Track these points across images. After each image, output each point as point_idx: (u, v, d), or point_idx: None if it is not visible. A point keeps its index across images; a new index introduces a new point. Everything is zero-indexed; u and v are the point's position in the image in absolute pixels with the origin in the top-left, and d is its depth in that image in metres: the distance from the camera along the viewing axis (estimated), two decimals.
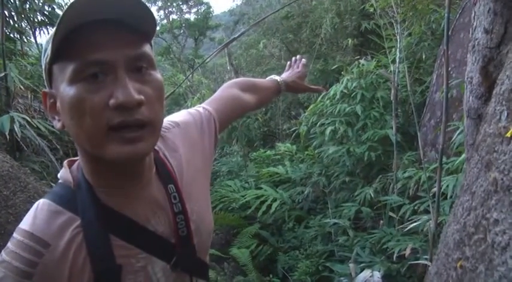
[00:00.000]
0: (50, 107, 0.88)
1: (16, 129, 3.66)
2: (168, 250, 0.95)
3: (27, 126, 3.99)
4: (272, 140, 9.52)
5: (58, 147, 4.64)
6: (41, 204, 0.89)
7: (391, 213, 4.45)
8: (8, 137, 3.73)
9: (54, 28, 0.77)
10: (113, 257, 0.87)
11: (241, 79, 1.49)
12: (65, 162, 0.97)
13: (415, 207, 3.92)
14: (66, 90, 0.79)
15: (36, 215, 0.86)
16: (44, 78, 0.87)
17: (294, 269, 4.89)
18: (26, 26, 6.98)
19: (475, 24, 1.45)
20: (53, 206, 0.88)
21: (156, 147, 0.99)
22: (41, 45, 7.74)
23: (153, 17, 0.82)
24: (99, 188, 0.89)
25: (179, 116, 1.18)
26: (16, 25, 6.43)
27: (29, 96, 4.75)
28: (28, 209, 0.89)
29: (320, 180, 5.66)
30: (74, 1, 0.73)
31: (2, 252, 0.83)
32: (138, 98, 0.78)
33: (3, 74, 3.97)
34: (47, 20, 7.10)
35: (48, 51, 0.81)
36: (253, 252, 5.44)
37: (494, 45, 1.34)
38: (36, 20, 7.01)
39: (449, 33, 2.65)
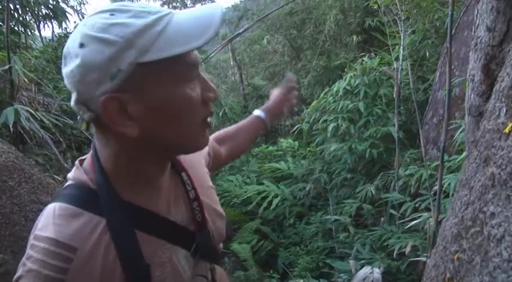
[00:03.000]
0: (119, 113, 0.79)
1: (23, 121, 3.68)
2: (189, 238, 0.97)
3: (31, 119, 4.00)
4: (274, 136, 9.52)
5: (61, 140, 4.67)
6: (57, 208, 0.85)
7: (392, 211, 4.46)
8: (11, 129, 3.76)
9: (144, 27, 0.76)
10: (142, 255, 0.87)
11: (217, 133, 1.49)
12: (77, 162, 0.95)
13: (416, 205, 3.93)
14: (176, 90, 0.81)
15: (55, 220, 0.83)
16: (114, 78, 0.76)
17: (295, 264, 4.90)
18: (31, 19, 7.00)
19: (477, 22, 1.46)
20: (72, 208, 0.85)
21: None
22: (45, 38, 7.77)
23: None
24: (121, 186, 0.88)
25: None
26: (21, 18, 6.45)
27: (33, 89, 4.78)
28: (33, 200, 0.88)
29: (321, 177, 5.67)
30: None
31: (25, 261, 0.81)
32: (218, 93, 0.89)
33: (7, 67, 3.99)
34: (51, 14, 7.12)
35: (145, 47, 0.76)
36: (254, 247, 5.45)
37: (497, 43, 1.35)
38: (40, 14, 7.04)
39: (453, 31, 2.65)
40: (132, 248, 0.86)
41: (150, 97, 0.79)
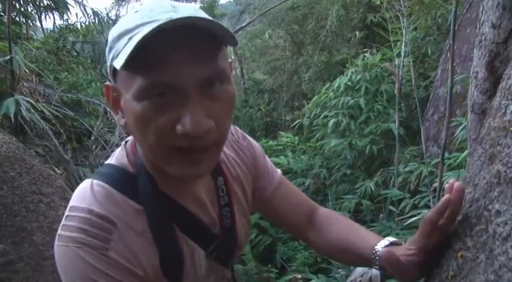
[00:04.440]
0: (114, 101, 0.83)
1: (23, 112, 3.68)
2: (209, 239, 0.96)
3: (32, 110, 4.00)
4: (274, 131, 9.51)
5: (61, 131, 4.66)
6: (96, 184, 0.86)
7: (391, 207, 4.47)
8: (12, 119, 3.75)
9: (125, 25, 0.75)
10: (179, 246, 0.89)
11: (338, 217, 1.19)
12: (123, 143, 0.95)
13: (416, 202, 3.93)
14: (131, 103, 0.75)
15: (93, 194, 0.83)
16: (108, 72, 0.82)
17: (293, 259, 4.91)
18: (32, 10, 6.98)
19: (482, 19, 1.45)
20: (110, 189, 0.85)
21: None
22: (47, 29, 7.74)
23: (229, 31, 0.74)
24: (157, 176, 0.88)
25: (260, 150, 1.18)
26: (22, 9, 6.44)
27: (34, 79, 4.77)
28: (34, 191, 0.89)
29: (321, 172, 5.66)
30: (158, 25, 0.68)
31: (63, 232, 0.81)
32: (207, 128, 0.74)
33: (8, 57, 3.99)
34: (52, 5, 7.10)
35: (115, 51, 0.76)
36: (252, 241, 5.45)
37: (502, 40, 1.34)
38: (42, 5, 7.02)
39: (456, 28, 2.64)
40: (170, 239, 0.88)
41: (124, 97, 0.79)
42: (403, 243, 0.94)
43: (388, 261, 0.88)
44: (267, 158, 1.18)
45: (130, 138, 0.94)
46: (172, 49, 0.71)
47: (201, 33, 0.72)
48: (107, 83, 0.82)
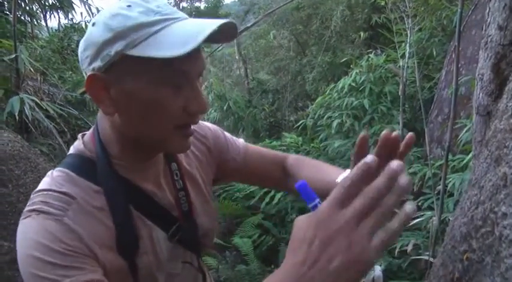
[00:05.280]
0: (99, 91, 0.87)
1: (26, 111, 3.68)
2: (169, 221, 1.01)
3: (36, 108, 4.01)
4: (278, 131, 9.51)
5: (66, 130, 4.67)
6: (55, 171, 0.93)
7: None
8: (17, 118, 3.76)
9: (142, 25, 0.81)
10: (135, 226, 0.94)
11: (304, 159, 1.28)
12: (79, 135, 1.02)
13: (419, 203, 3.92)
14: (143, 88, 0.84)
15: (54, 179, 0.90)
16: (103, 60, 0.84)
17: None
18: (37, 9, 7.00)
19: (488, 21, 1.44)
20: (70, 173, 0.91)
21: None
22: (52, 28, 7.76)
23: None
24: (117, 161, 0.95)
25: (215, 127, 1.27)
26: (27, 8, 6.45)
27: (39, 78, 4.78)
28: None
29: None
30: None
31: (26, 209, 0.86)
32: (208, 107, 0.90)
33: (13, 56, 3.99)
34: (57, 4, 7.12)
35: (130, 40, 0.81)
36: (255, 242, 5.45)
37: (508, 42, 1.33)
38: (47, 4, 7.04)
39: (461, 29, 2.64)
40: (127, 219, 0.92)
41: (127, 86, 0.85)
42: None
43: None
44: (226, 133, 1.28)
45: (89, 131, 1.01)
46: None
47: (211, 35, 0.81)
48: (95, 73, 0.85)
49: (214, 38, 0.81)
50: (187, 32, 0.80)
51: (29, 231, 0.82)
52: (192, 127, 1.02)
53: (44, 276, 0.78)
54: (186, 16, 0.87)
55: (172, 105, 0.85)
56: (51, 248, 0.79)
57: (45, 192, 0.87)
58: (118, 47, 0.81)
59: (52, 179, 0.90)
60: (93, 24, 0.85)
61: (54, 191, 0.87)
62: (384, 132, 0.87)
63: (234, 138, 1.29)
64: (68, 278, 0.78)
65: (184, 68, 0.84)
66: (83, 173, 0.92)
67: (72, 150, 0.99)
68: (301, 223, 0.59)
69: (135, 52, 0.80)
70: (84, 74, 0.88)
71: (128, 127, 0.91)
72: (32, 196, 0.89)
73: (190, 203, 1.06)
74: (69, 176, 0.90)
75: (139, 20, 0.81)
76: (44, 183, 0.90)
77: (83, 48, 0.87)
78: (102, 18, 0.84)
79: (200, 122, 1.18)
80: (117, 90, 0.85)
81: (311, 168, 1.19)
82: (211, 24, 0.80)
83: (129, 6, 0.83)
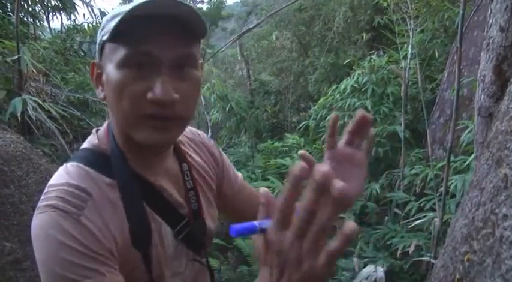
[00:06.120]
0: (97, 77, 0.95)
1: (29, 112, 3.69)
2: (176, 219, 1.02)
3: (39, 109, 4.02)
4: (280, 132, 9.51)
5: (68, 131, 4.68)
6: (70, 165, 0.93)
7: (396, 210, 4.45)
8: (19, 119, 3.77)
9: (119, 10, 0.88)
10: (147, 219, 0.95)
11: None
12: (93, 130, 1.04)
13: (421, 205, 3.92)
14: (112, 72, 0.87)
15: (69, 173, 0.91)
16: (96, 49, 0.94)
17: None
18: (40, 10, 7.01)
19: (490, 22, 1.44)
20: (85, 168, 0.92)
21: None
22: (54, 29, 7.78)
23: (204, 22, 0.88)
24: (129, 155, 0.96)
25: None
26: (30, 9, 6.47)
27: (41, 79, 4.79)
28: (41, 190, 0.91)
29: None
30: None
31: (41, 204, 0.86)
32: (173, 98, 0.85)
33: (16, 57, 4.00)
34: (60, 5, 7.13)
35: (106, 29, 0.88)
36: None
37: (510, 43, 1.33)
38: (49, 5, 7.05)
39: (463, 30, 2.63)
40: (141, 213, 0.94)
41: (106, 71, 0.90)
42: None
43: None
44: (230, 163, 1.31)
45: (103, 125, 1.03)
46: (156, 26, 0.84)
47: (181, 21, 0.84)
48: (94, 60, 0.95)
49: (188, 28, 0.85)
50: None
51: (47, 228, 0.82)
52: (204, 143, 1.13)
53: (65, 275, 0.79)
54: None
55: (133, 88, 0.85)
56: (73, 248, 0.80)
57: (60, 187, 0.87)
58: (101, 35, 0.90)
59: (67, 172, 0.91)
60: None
61: (70, 185, 0.87)
62: (358, 110, 0.86)
63: (236, 170, 1.31)
64: (89, 279, 0.80)
65: (148, 50, 0.84)
66: (97, 166, 0.93)
67: (86, 144, 1.00)
68: (259, 248, 0.62)
69: (104, 38, 0.87)
70: None
71: (113, 116, 0.94)
72: (46, 189, 0.89)
73: (199, 202, 1.08)
74: (83, 170, 0.92)
75: (116, 12, 0.88)
76: (58, 177, 0.91)
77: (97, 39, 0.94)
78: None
79: (212, 144, 1.23)
80: (103, 74, 0.91)
81: None
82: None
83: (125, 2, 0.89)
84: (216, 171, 1.21)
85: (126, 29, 0.82)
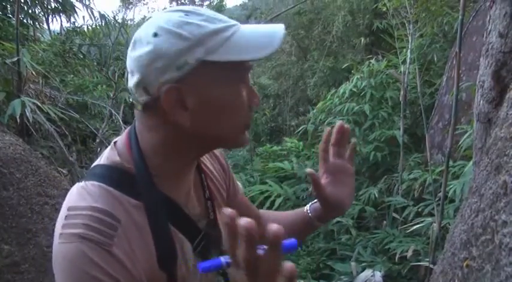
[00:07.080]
0: (176, 102, 0.84)
1: (28, 114, 3.69)
2: (194, 233, 0.99)
3: (38, 111, 4.01)
4: (279, 136, 9.51)
5: (67, 133, 4.68)
6: (90, 185, 0.86)
7: (394, 214, 4.46)
8: (18, 121, 3.77)
9: (215, 31, 0.84)
10: (174, 242, 0.91)
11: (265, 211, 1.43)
12: (112, 144, 0.96)
13: (419, 209, 3.92)
14: (222, 91, 0.86)
15: (91, 193, 0.84)
16: (174, 73, 0.82)
17: (295, 265, 4.88)
18: (40, 12, 7.02)
19: (489, 28, 1.45)
20: (107, 187, 0.86)
21: None
22: (54, 31, 7.78)
23: None
24: (154, 173, 0.90)
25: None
26: (30, 11, 6.47)
27: (40, 81, 4.79)
28: (39, 193, 0.88)
29: None
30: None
31: (63, 230, 0.80)
32: None
33: (16, 59, 3.99)
34: (60, 7, 7.13)
35: (213, 48, 0.82)
36: None
37: (509, 49, 1.34)
38: (49, 7, 7.05)
39: (462, 35, 2.64)
40: (167, 237, 0.90)
41: (206, 92, 0.85)
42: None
43: (315, 205, 1.15)
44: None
45: (119, 138, 0.97)
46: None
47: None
48: (173, 84, 0.82)
49: None
50: (262, 36, 0.87)
51: (75, 260, 0.77)
52: (214, 152, 1.14)
53: None
54: (236, 22, 0.90)
55: (243, 102, 0.89)
56: (103, 281, 0.77)
57: (84, 212, 0.81)
58: (197, 54, 0.81)
59: (88, 193, 0.84)
60: (155, 35, 0.82)
61: (95, 209, 0.81)
62: (338, 121, 1.00)
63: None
64: None
65: (248, 66, 0.89)
66: (122, 187, 0.87)
67: (105, 160, 0.92)
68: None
69: (216, 57, 0.82)
70: (148, 89, 0.84)
71: (199, 133, 0.89)
72: (67, 212, 0.83)
73: (215, 212, 1.06)
74: (106, 190, 0.85)
75: (211, 27, 0.83)
76: (79, 198, 0.85)
77: (151, 61, 0.82)
78: (166, 27, 0.82)
79: (220, 152, 1.24)
80: (195, 98, 0.84)
81: (277, 215, 1.32)
82: (275, 28, 0.88)
83: (186, 15, 0.85)
84: (225, 180, 1.20)
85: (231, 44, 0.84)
